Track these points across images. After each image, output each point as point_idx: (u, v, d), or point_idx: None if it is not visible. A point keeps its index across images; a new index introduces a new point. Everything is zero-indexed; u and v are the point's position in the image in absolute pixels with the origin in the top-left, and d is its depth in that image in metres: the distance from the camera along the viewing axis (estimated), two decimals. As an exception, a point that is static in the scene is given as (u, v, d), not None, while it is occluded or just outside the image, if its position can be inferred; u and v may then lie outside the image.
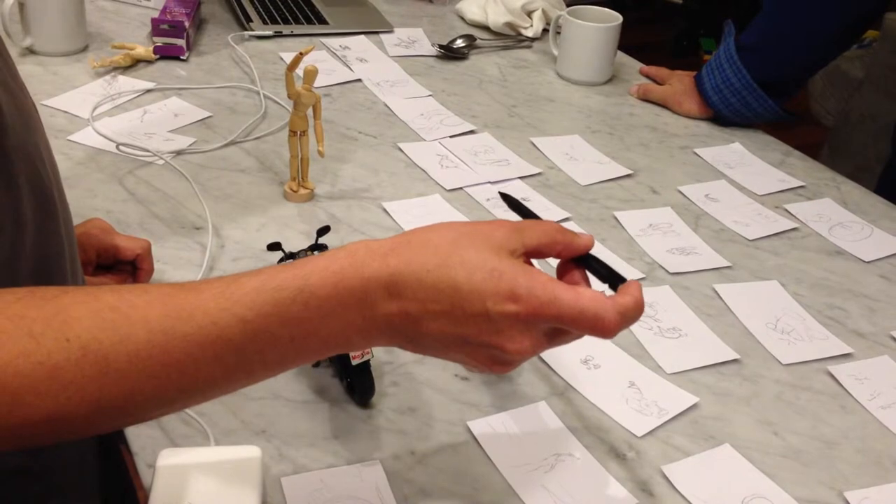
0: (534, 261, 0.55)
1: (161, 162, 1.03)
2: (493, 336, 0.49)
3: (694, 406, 0.75)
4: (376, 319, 0.50)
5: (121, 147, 1.03)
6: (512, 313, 0.49)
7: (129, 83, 1.21)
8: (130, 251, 0.80)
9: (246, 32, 1.39)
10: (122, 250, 0.80)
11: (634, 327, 0.83)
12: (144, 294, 0.48)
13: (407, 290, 0.49)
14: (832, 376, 0.80)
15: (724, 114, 1.22)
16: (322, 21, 1.45)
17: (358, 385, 0.72)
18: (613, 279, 0.55)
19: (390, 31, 1.45)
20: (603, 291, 0.52)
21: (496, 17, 1.45)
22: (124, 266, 0.81)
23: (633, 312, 0.51)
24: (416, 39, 1.43)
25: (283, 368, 0.51)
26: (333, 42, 1.39)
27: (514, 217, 0.64)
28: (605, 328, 0.50)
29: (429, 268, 0.49)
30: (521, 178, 1.07)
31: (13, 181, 0.54)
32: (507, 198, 0.65)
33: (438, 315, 0.49)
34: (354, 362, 0.70)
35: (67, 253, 0.62)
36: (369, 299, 0.49)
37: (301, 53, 0.90)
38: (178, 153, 1.05)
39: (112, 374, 0.45)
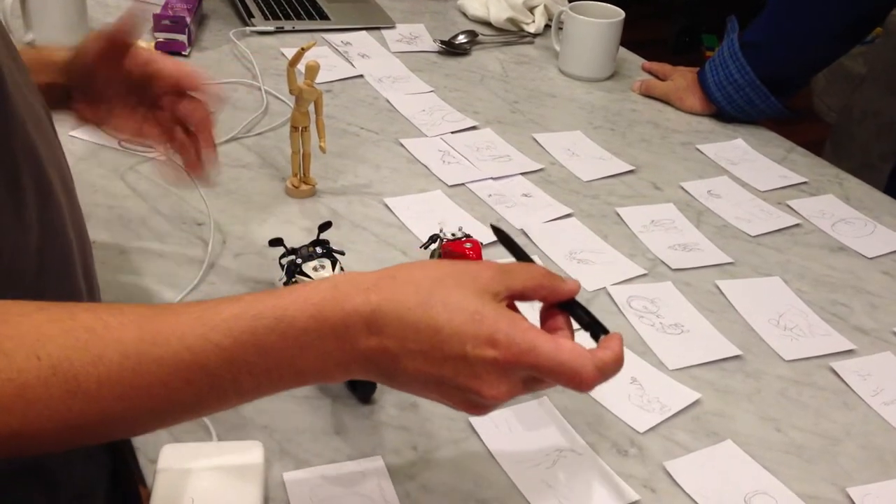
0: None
1: (163, 157, 1.02)
2: (469, 379, 0.49)
3: (696, 402, 0.75)
4: (355, 353, 0.49)
5: (123, 143, 1.03)
6: (490, 359, 0.48)
7: (130, 79, 1.20)
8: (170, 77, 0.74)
9: (247, 28, 1.39)
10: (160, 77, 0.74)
11: (637, 323, 0.83)
12: (120, 315, 0.48)
13: (387, 327, 0.49)
14: (835, 372, 0.80)
15: (726, 110, 1.22)
16: (324, 16, 1.45)
17: (360, 381, 0.72)
18: (595, 328, 0.55)
19: (392, 27, 1.45)
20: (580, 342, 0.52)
21: (498, 13, 1.45)
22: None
23: (612, 368, 0.51)
24: (417, 35, 1.43)
25: (258, 396, 0.51)
26: (335, 38, 1.39)
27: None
28: (582, 382, 0.50)
29: (410, 306, 0.49)
30: (522, 173, 1.07)
31: (18, 183, 0.53)
32: (498, 232, 0.64)
33: (417, 354, 0.49)
34: (356, 358, 0.70)
35: (77, 253, 0.61)
36: (349, 333, 0.49)
37: (303, 49, 0.90)
38: (180, 149, 1.05)
39: (81, 395, 0.45)
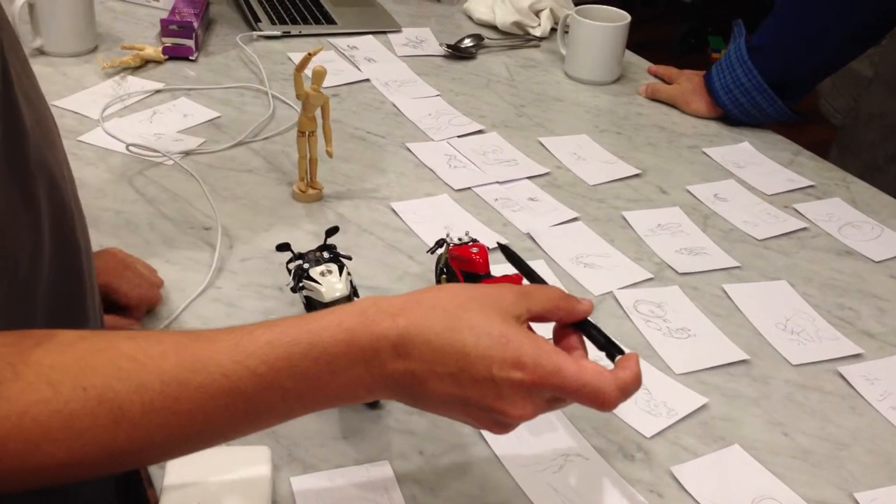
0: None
1: (170, 162, 1.03)
2: (495, 400, 0.50)
3: (703, 407, 0.75)
4: (383, 377, 0.51)
5: (130, 147, 1.03)
6: (517, 381, 0.50)
7: (138, 84, 1.21)
8: (126, 300, 0.78)
9: (254, 33, 1.39)
10: (121, 297, 0.77)
11: (643, 327, 0.83)
12: (160, 343, 0.49)
13: (414, 351, 0.50)
14: (842, 377, 0.80)
15: (733, 114, 1.22)
16: (330, 21, 1.46)
17: (367, 385, 0.72)
18: (610, 348, 0.56)
19: (398, 31, 1.45)
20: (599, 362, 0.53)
21: (504, 17, 1.45)
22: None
23: (633, 387, 0.52)
24: (423, 39, 1.43)
25: (290, 417, 0.53)
26: (341, 42, 1.39)
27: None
28: (604, 402, 0.51)
29: (437, 330, 0.50)
30: (529, 177, 1.07)
31: (33, 196, 0.54)
32: (506, 251, 0.65)
33: (444, 377, 0.50)
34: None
35: (85, 265, 0.62)
36: (378, 358, 0.50)
37: (309, 54, 0.90)
38: (187, 153, 1.06)
39: (125, 424, 0.46)
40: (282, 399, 0.50)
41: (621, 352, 0.55)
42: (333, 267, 0.74)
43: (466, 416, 0.53)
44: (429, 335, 0.50)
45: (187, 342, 0.49)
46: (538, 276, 0.63)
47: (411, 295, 0.52)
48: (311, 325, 0.50)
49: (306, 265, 0.75)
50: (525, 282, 0.64)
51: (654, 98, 1.29)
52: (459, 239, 0.81)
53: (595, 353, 0.56)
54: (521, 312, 0.52)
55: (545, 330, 0.56)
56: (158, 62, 1.27)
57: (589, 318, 0.57)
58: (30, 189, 0.53)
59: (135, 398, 0.46)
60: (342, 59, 1.34)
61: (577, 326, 0.56)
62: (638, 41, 1.42)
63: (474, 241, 0.80)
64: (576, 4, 1.40)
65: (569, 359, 0.51)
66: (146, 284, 0.80)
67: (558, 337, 0.57)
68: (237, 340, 0.49)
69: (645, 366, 0.79)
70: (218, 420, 0.49)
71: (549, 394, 0.51)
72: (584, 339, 0.56)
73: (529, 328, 0.54)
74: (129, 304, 0.78)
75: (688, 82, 1.27)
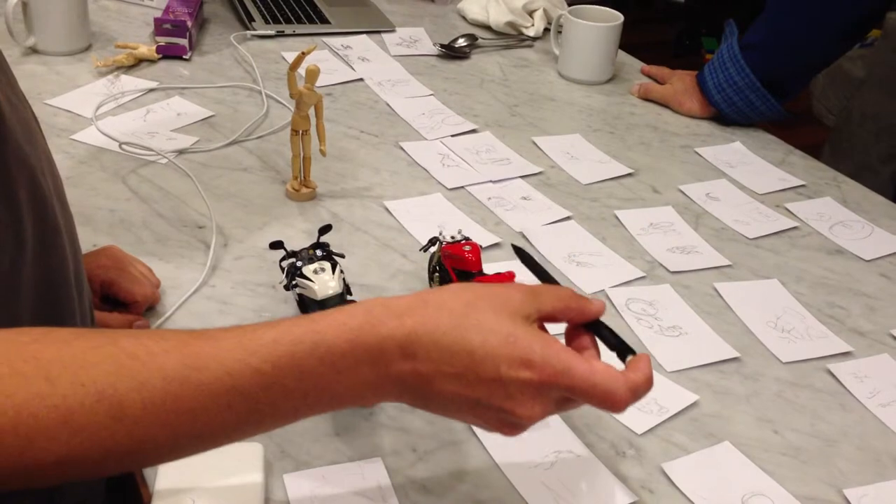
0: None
1: (164, 161, 1.03)
2: (504, 400, 0.50)
3: (694, 404, 0.76)
4: (389, 377, 0.50)
5: (124, 146, 1.03)
6: (525, 380, 0.49)
7: (132, 82, 1.21)
8: (129, 296, 0.78)
9: (248, 32, 1.39)
10: (124, 293, 0.78)
11: (635, 325, 0.84)
12: (162, 341, 0.48)
13: (421, 351, 0.49)
14: (832, 374, 0.80)
15: (726, 112, 1.23)
16: (324, 20, 1.46)
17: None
18: (622, 348, 0.56)
19: (392, 31, 1.46)
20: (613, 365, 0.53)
21: (497, 17, 1.46)
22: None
23: (644, 389, 0.52)
24: (417, 39, 1.44)
25: (294, 420, 0.52)
26: (335, 41, 1.40)
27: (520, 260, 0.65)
28: (615, 403, 0.50)
29: (444, 330, 0.50)
30: (522, 177, 1.07)
31: (13, 196, 0.53)
32: (520, 252, 0.65)
33: (451, 377, 0.50)
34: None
35: (72, 266, 0.61)
36: (384, 358, 0.50)
37: (303, 53, 0.91)
38: (181, 152, 1.06)
39: (126, 421, 0.46)
40: (285, 398, 0.49)
41: (633, 352, 0.55)
42: (326, 265, 0.74)
43: (476, 418, 0.52)
44: (436, 335, 0.49)
45: (190, 340, 0.48)
46: (552, 277, 0.62)
47: (418, 295, 0.52)
48: (315, 324, 0.50)
49: (299, 263, 0.75)
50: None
51: (646, 98, 1.30)
52: (452, 237, 0.81)
53: (607, 356, 0.55)
54: (530, 312, 0.52)
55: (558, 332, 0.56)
56: (152, 61, 1.27)
57: (601, 319, 0.56)
58: (11, 188, 0.53)
59: (135, 396, 0.45)
60: (336, 59, 1.35)
61: (588, 327, 0.56)
62: (632, 42, 1.43)
63: (467, 239, 0.81)
64: (569, 4, 1.41)
65: (579, 358, 0.50)
66: (147, 282, 0.80)
67: (570, 337, 0.56)
68: (240, 339, 0.49)
69: (636, 363, 0.79)
70: (221, 419, 0.48)
71: (559, 394, 0.51)
72: (597, 339, 0.56)
73: (543, 328, 0.54)
74: (132, 301, 0.78)
75: (680, 82, 1.28)
